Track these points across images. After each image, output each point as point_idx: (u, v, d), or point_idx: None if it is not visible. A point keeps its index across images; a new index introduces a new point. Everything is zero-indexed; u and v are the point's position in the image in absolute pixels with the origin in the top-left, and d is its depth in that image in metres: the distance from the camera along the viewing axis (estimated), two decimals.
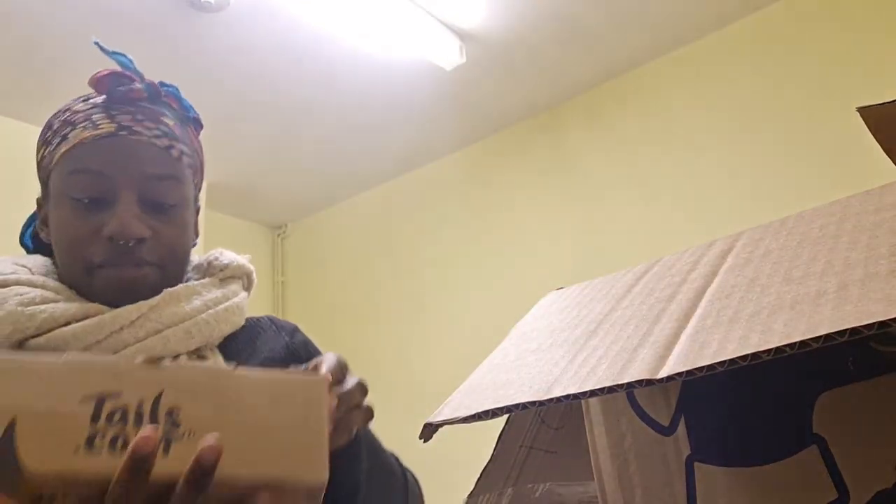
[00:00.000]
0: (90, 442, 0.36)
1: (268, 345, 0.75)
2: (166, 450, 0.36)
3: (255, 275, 0.77)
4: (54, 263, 0.74)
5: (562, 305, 0.41)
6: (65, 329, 0.63)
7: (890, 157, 0.42)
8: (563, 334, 0.35)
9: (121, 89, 0.72)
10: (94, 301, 0.68)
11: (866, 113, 0.41)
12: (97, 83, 0.72)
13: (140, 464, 0.34)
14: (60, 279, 0.72)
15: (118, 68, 0.74)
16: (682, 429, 0.33)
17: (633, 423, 0.35)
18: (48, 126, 0.73)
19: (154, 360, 0.38)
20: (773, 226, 0.36)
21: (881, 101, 0.40)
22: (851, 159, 1.87)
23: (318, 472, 0.37)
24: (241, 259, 0.78)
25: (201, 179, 0.80)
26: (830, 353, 0.29)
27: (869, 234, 0.29)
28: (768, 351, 0.22)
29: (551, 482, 0.40)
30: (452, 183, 3.16)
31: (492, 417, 0.30)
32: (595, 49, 2.54)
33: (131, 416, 0.37)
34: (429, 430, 0.32)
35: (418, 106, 2.73)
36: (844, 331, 0.21)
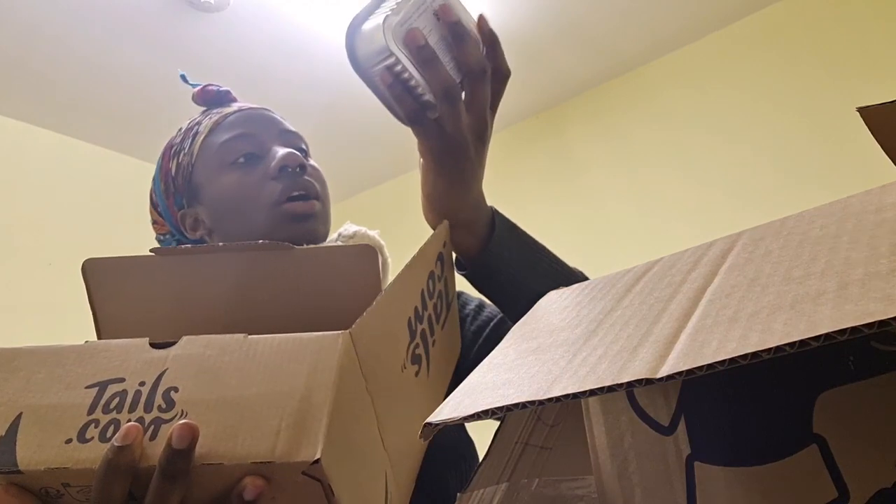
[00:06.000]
0: (83, 433, 0.34)
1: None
2: (154, 435, 0.33)
3: (386, 250, 0.81)
4: None
5: (562, 305, 0.41)
6: None
7: (890, 157, 0.42)
8: (563, 334, 0.35)
9: (219, 92, 0.83)
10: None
11: (866, 113, 0.41)
12: (200, 94, 0.82)
13: (117, 455, 0.32)
14: None
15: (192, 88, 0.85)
16: (682, 428, 0.33)
17: (632, 423, 0.35)
18: (170, 146, 0.81)
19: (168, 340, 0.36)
20: (773, 226, 0.36)
21: (881, 101, 0.40)
22: (851, 159, 1.87)
23: (309, 448, 0.32)
24: (371, 232, 0.83)
25: None
26: (831, 352, 0.29)
27: (869, 233, 0.29)
28: (768, 350, 0.22)
29: (546, 477, 0.40)
30: None
31: (491, 417, 0.30)
32: (596, 49, 2.54)
33: (128, 402, 0.34)
34: (428, 430, 0.32)
35: None
36: (844, 330, 0.21)
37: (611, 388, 0.26)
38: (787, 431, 0.30)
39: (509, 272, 0.68)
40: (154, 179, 0.83)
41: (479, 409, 0.30)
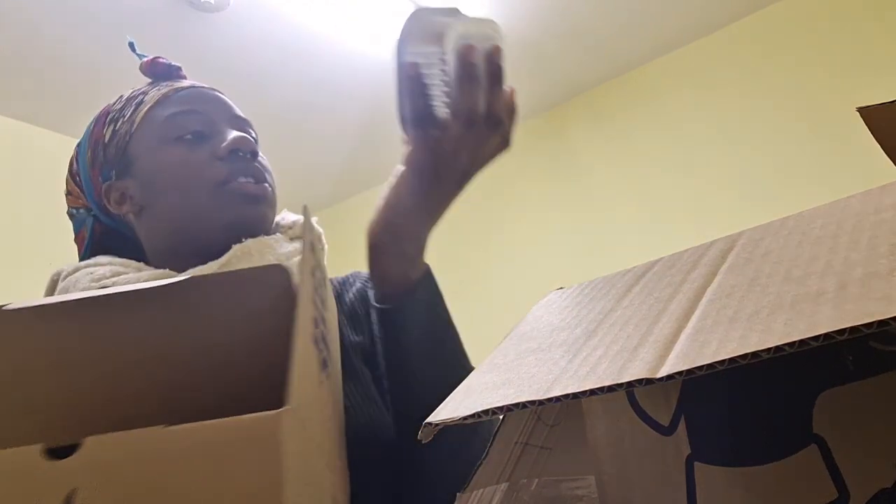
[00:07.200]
0: None
1: (342, 295, 0.77)
2: None
3: (324, 238, 0.79)
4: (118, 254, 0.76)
5: (562, 305, 0.41)
6: None
7: (890, 157, 0.42)
8: (563, 334, 0.35)
9: (170, 66, 0.78)
10: (215, 224, 0.67)
11: (866, 113, 0.41)
12: (149, 65, 0.78)
13: None
14: (152, 245, 0.73)
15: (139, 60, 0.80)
16: (682, 429, 0.33)
17: (633, 423, 0.35)
18: (106, 112, 0.76)
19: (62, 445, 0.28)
20: (773, 226, 0.36)
21: (881, 101, 0.40)
22: (851, 159, 1.87)
23: None
24: (311, 220, 0.80)
25: None
26: (830, 352, 0.29)
27: (869, 233, 0.29)
28: (768, 350, 0.22)
29: (546, 477, 0.40)
30: None
31: (491, 417, 0.30)
32: (596, 49, 2.54)
33: None
34: (428, 430, 0.32)
35: None
36: (844, 330, 0.21)
37: (611, 388, 0.26)
38: (787, 431, 0.30)
39: (416, 331, 0.64)
40: (79, 145, 0.77)
41: (479, 409, 0.30)
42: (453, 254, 2.99)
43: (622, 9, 2.33)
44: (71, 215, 0.81)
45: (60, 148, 2.64)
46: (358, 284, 0.79)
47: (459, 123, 0.57)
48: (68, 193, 0.80)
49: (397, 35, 0.56)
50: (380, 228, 0.63)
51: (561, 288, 0.46)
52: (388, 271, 0.64)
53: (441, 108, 0.57)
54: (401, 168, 0.63)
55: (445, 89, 0.56)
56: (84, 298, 0.36)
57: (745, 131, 2.36)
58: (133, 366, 0.38)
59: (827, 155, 2.14)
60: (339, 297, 0.77)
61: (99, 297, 0.36)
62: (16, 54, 2.23)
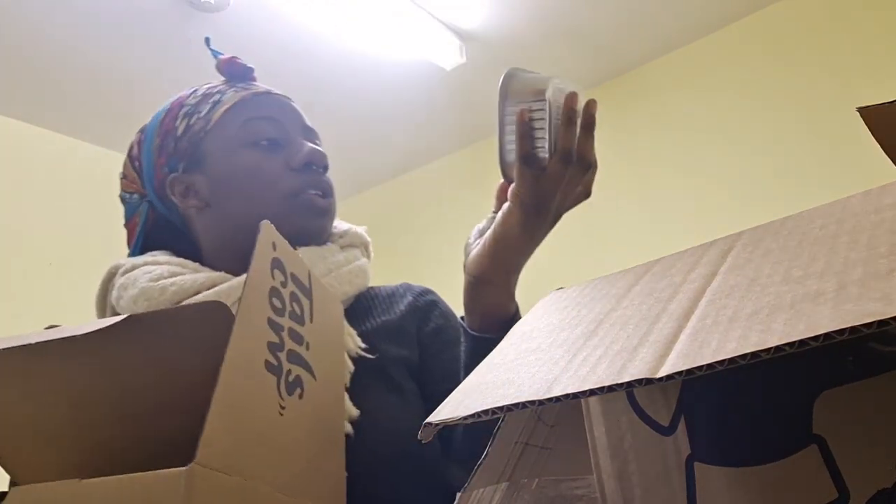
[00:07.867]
0: None
1: (391, 307, 0.78)
2: None
3: (371, 246, 0.80)
4: (173, 252, 0.75)
5: (562, 305, 0.41)
6: (195, 298, 0.66)
7: (890, 157, 0.42)
8: (563, 334, 0.35)
9: (246, 68, 0.79)
10: (280, 231, 0.73)
11: (866, 113, 0.41)
12: (226, 64, 0.78)
13: None
14: (211, 243, 0.74)
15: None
16: (682, 429, 0.34)
17: (632, 423, 0.35)
18: (180, 104, 0.76)
19: None
20: (773, 226, 0.36)
21: (881, 101, 0.40)
22: (851, 159, 1.87)
23: None
24: (358, 228, 0.82)
25: None
26: (830, 352, 0.29)
27: (868, 233, 0.29)
28: (768, 350, 0.23)
29: (546, 477, 0.40)
30: (452, 183, 3.17)
31: (491, 417, 0.30)
32: (595, 49, 2.54)
33: None
34: (428, 430, 0.32)
35: (418, 106, 2.73)
36: (844, 330, 0.21)
37: (611, 388, 0.26)
38: (787, 431, 0.30)
39: None
40: (146, 131, 0.78)
41: (480, 409, 0.30)
42: (454, 254, 2.98)
43: (622, 9, 2.32)
44: (123, 199, 0.81)
45: (61, 148, 2.64)
46: (409, 298, 0.80)
47: (556, 162, 0.62)
48: (123, 177, 0.81)
49: (500, 88, 0.64)
50: (490, 262, 0.66)
51: (561, 288, 0.46)
52: (494, 303, 0.67)
53: (542, 151, 0.63)
54: (507, 205, 0.66)
55: (545, 135, 0.62)
56: (15, 347, 0.36)
57: (745, 131, 2.36)
58: (67, 408, 0.38)
59: (827, 155, 2.14)
60: (388, 308, 0.78)
61: (31, 344, 0.36)
62: (16, 54, 2.23)
